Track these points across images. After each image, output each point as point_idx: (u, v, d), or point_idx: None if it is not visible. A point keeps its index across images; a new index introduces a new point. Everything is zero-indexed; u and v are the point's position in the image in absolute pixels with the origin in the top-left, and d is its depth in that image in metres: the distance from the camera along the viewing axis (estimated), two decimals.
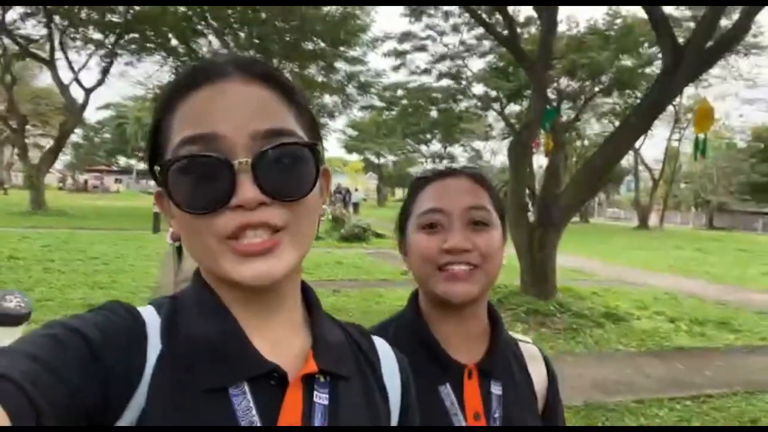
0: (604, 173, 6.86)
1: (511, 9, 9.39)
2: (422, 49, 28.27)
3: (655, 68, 19.89)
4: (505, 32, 8.62)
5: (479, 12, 9.08)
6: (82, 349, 0.49)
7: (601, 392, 4.51)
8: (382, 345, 0.72)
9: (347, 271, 10.07)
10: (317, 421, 0.57)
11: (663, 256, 16.00)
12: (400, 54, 28.17)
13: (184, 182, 0.53)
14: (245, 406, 0.54)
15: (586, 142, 38.87)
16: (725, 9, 6.36)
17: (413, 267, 0.90)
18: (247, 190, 0.52)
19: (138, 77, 39.47)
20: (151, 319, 0.57)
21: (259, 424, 0.54)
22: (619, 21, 21.71)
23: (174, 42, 23.60)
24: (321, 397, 0.59)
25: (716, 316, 7.47)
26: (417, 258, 0.88)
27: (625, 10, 22.27)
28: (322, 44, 23.62)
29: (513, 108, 28.17)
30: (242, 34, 23.87)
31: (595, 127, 36.61)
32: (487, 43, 25.95)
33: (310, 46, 24.24)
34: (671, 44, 6.21)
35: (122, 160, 64.26)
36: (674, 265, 13.78)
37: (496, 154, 52.75)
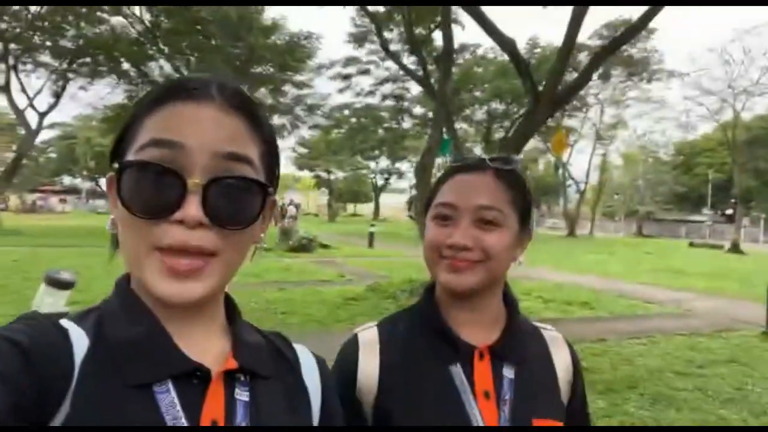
0: None
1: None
2: (366, 72, 30.32)
3: None
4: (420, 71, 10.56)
5: (395, 53, 10.98)
6: (15, 354, 0.50)
7: None
8: (301, 349, 0.76)
9: (293, 275, 11.62)
10: (239, 417, 0.60)
11: (574, 259, 18.28)
12: (345, 77, 30.16)
13: (136, 185, 0.56)
14: (169, 401, 0.57)
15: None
16: (569, 63, 8.38)
17: (423, 251, 0.94)
18: (192, 208, 0.56)
19: (89, 99, 39.63)
20: (72, 327, 0.59)
21: (183, 418, 0.57)
22: (538, 50, 24.33)
23: (126, 66, 24.53)
24: (242, 395, 0.62)
25: (583, 299, 9.47)
26: (426, 245, 0.92)
27: (544, 40, 24.95)
28: (271, 69, 25.18)
29: None
30: (192, 59, 24.99)
31: (530, 143, 39.60)
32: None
33: (259, 70, 25.69)
34: (532, 89, 8.20)
35: (66, 180, 63.42)
36: (578, 265, 16.00)
37: (441, 169, 55.36)
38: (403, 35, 15.40)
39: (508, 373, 0.89)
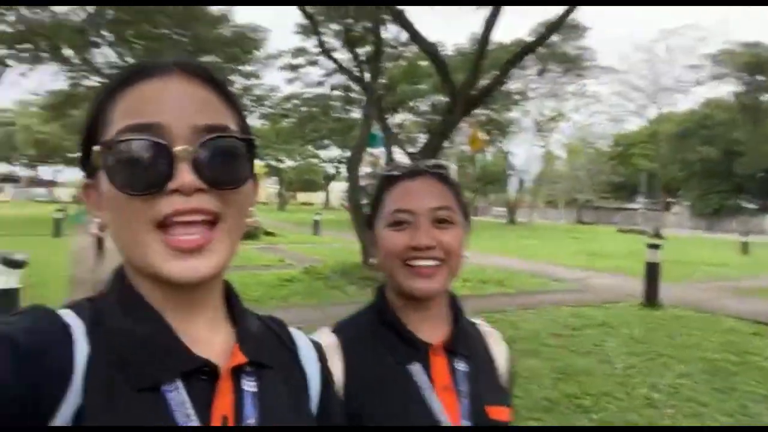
0: None
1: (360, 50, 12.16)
2: (315, 63, 30.78)
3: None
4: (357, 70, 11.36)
5: (332, 53, 11.75)
6: (9, 352, 0.49)
7: None
8: (298, 334, 0.77)
9: (235, 260, 12.21)
10: (248, 408, 0.61)
11: (505, 244, 19.59)
12: (294, 68, 30.52)
13: (124, 164, 0.55)
14: (179, 400, 0.56)
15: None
16: (483, 68, 9.35)
17: (381, 261, 0.97)
18: (186, 175, 0.55)
19: (30, 85, 38.32)
20: (74, 321, 0.57)
21: (194, 416, 0.56)
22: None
23: (68, 52, 24.16)
24: (249, 385, 0.62)
25: (497, 278, 10.58)
26: (385, 253, 0.95)
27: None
28: (218, 60, 25.33)
29: (395, 119, 31.43)
30: (138, 47, 24.81)
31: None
32: None
33: (206, 58, 25.77)
34: (451, 90, 9.15)
35: (2, 167, 61.03)
36: (507, 249, 17.26)
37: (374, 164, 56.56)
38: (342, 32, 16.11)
39: (461, 366, 0.95)
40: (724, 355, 5.68)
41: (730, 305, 8.77)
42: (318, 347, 0.77)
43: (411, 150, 25.48)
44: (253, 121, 35.84)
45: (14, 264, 4.78)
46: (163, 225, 0.56)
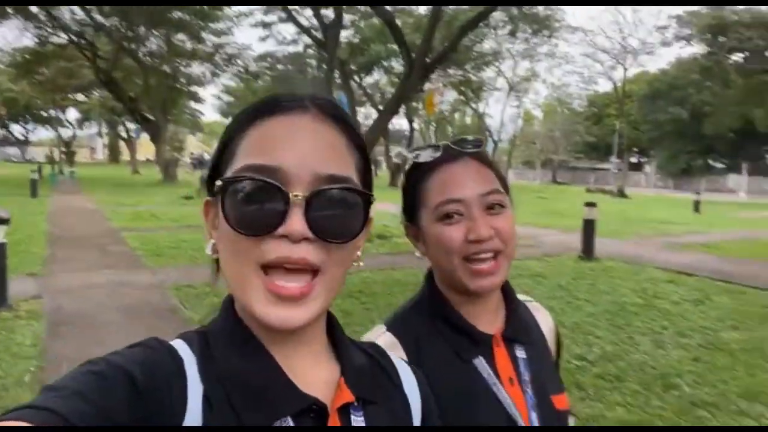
0: (372, 146, 10.29)
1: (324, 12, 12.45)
2: (286, 20, 30.56)
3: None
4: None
5: (297, 18, 12.04)
6: (126, 387, 0.50)
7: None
8: (400, 363, 0.76)
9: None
10: None
11: None
12: (266, 25, 30.26)
13: (240, 202, 0.56)
14: None
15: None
16: (434, 35, 9.78)
17: (436, 258, 0.91)
18: (296, 222, 0.55)
19: None
20: (187, 355, 0.59)
21: None
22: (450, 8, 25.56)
23: (34, 9, 23.74)
24: (358, 421, 0.63)
25: None
26: (441, 250, 0.88)
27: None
28: (188, 16, 25.09)
29: (368, 80, 31.61)
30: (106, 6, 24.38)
31: (452, 95, 41.37)
32: (347, 17, 28.61)
33: (176, 15, 25.48)
34: (407, 56, 9.60)
35: None
36: None
37: (367, 118, 56.65)
38: None
39: (521, 354, 0.92)
40: (632, 299, 6.49)
41: (661, 258, 9.63)
42: (418, 375, 0.77)
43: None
44: (227, 80, 35.63)
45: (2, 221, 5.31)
46: (267, 266, 0.57)
